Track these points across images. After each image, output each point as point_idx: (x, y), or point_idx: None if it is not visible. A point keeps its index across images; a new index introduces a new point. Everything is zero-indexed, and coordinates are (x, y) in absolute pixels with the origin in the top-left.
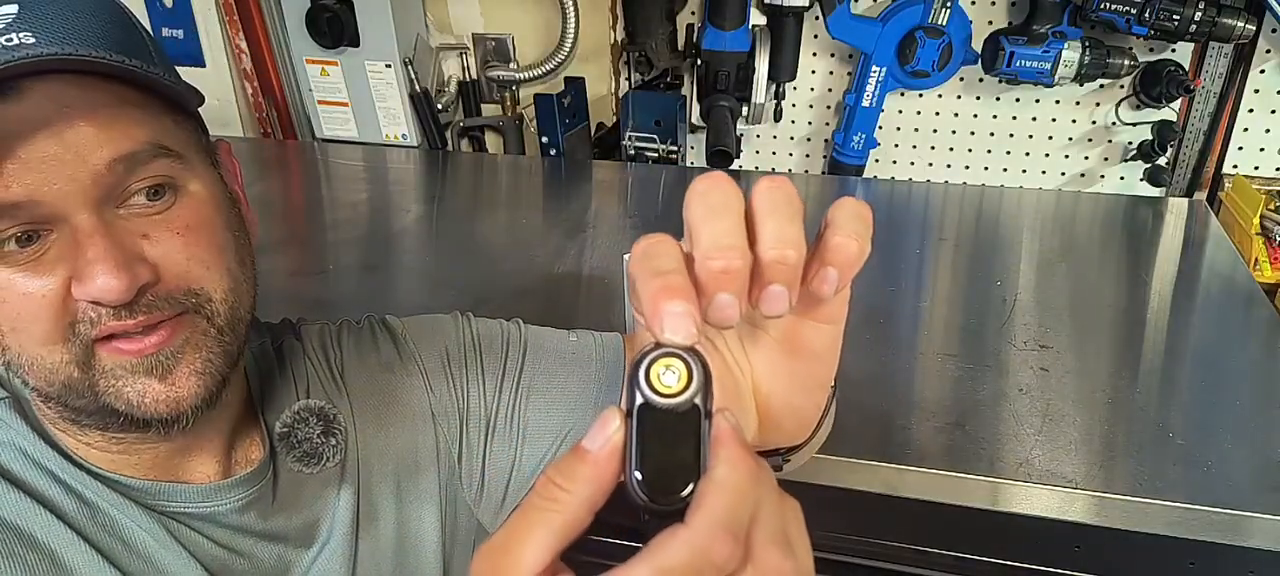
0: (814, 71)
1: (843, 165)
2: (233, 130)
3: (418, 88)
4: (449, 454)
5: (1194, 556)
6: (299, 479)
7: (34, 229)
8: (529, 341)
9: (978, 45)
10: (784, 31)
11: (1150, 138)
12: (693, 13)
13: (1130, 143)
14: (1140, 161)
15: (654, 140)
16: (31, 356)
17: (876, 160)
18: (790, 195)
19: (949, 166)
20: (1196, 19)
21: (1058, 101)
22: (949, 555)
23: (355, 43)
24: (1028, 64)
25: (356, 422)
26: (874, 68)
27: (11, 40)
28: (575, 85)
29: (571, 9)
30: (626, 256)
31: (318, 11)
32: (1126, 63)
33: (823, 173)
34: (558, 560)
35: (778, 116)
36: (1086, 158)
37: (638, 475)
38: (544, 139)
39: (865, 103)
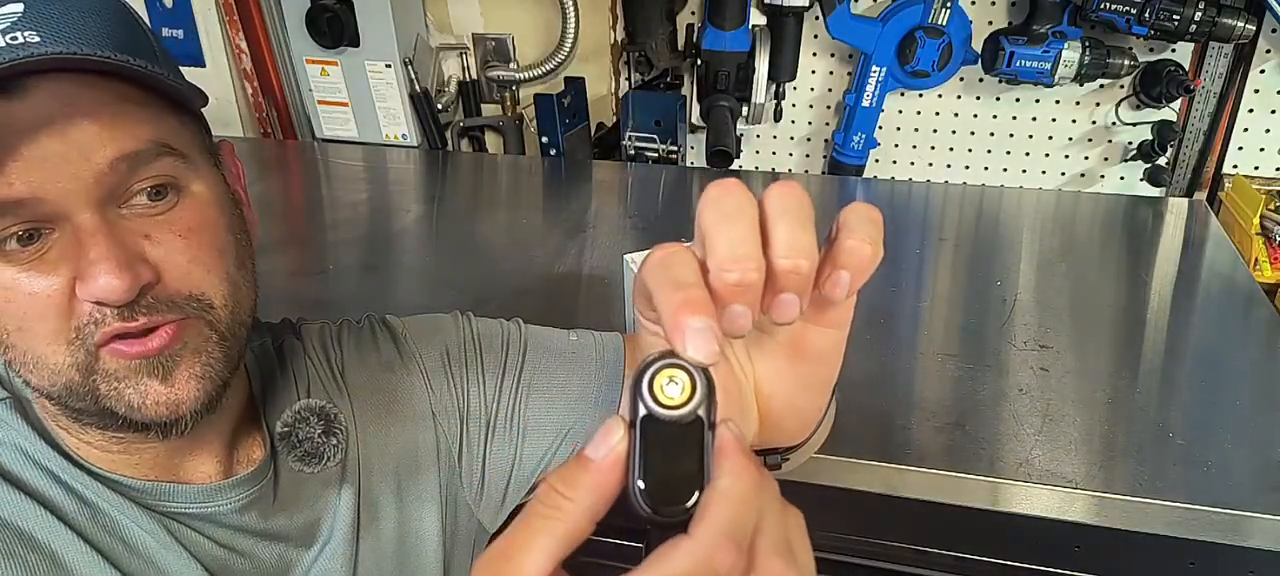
0: (814, 71)
1: (843, 165)
2: (233, 130)
3: (418, 88)
4: (449, 453)
5: (1194, 556)
6: (300, 478)
7: (35, 227)
8: (529, 340)
9: (978, 45)
10: (784, 31)
11: (1150, 138)
12: (693, 13)
13: (1130, 143)
14: (1140, 161)
15: (654, 140)
16: (36, 356)
17: (876, 160)
18: (803, 201)
19: (949, 166)
20: (1196, 19)
21: (1058, 101)
22: (949, 555)
23: (355, 43)
24: (1028, 64)
25: (357, 422)
26: (874, 68)
27: (16, 38)
28: (575, 85)
29: (571, 9)
30: (627, 256)
31: (318, 11)
32: (1126, 63)
33: (823, 173)
34: (559, 568)
35: (778, 116)
36: (1086, 158)
37: (641, 485)
38: (544, 139)
39: (865, 103)
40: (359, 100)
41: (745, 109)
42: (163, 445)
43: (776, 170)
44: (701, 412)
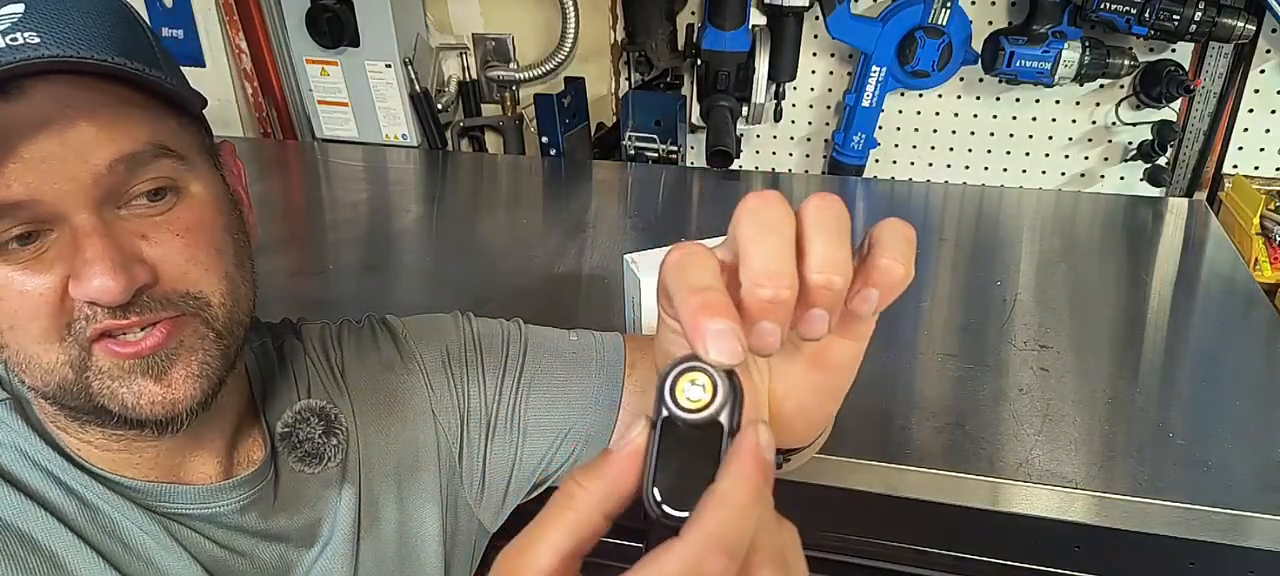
0: (814, 71)
1: (843, 165)
2: (233, 130)
3: (418, 88)
4: (450, 453)
5: (1194, 556)
6: (300, 479)
7: (34, 228)
8: (529, 340)
9: (978, 45)
10: (784, 31)
11: (1150, 138)
12: (693, 13)
13: (1130, 143)
14: (1140, 161)
15: (654, 140)
16: (29, 355)
17: (876, 160)
18: (841, 215)
19: (949, 166)
20: (1196, 19)
21: (1058, 101)
22: (949, 555)
23: (355, 43)
24: (1028, 64)
25: (357, 422)
26: (874, 68)
27: (16, 40)
28: (575, 85)
29: (571, 9)
30: (627, 256)
31: (318, 11)
32: (1126, 63)
33: (823, 173)
34: (574, 566)
35: (778, 116)
36: (1086, 158)
37: (653, 485)
38: (544, 139)
39: (865, 103)
40: (359, 100)
41: (745, 109)
42: (163, 444)
43: (776, 170)
44: (722, 418)
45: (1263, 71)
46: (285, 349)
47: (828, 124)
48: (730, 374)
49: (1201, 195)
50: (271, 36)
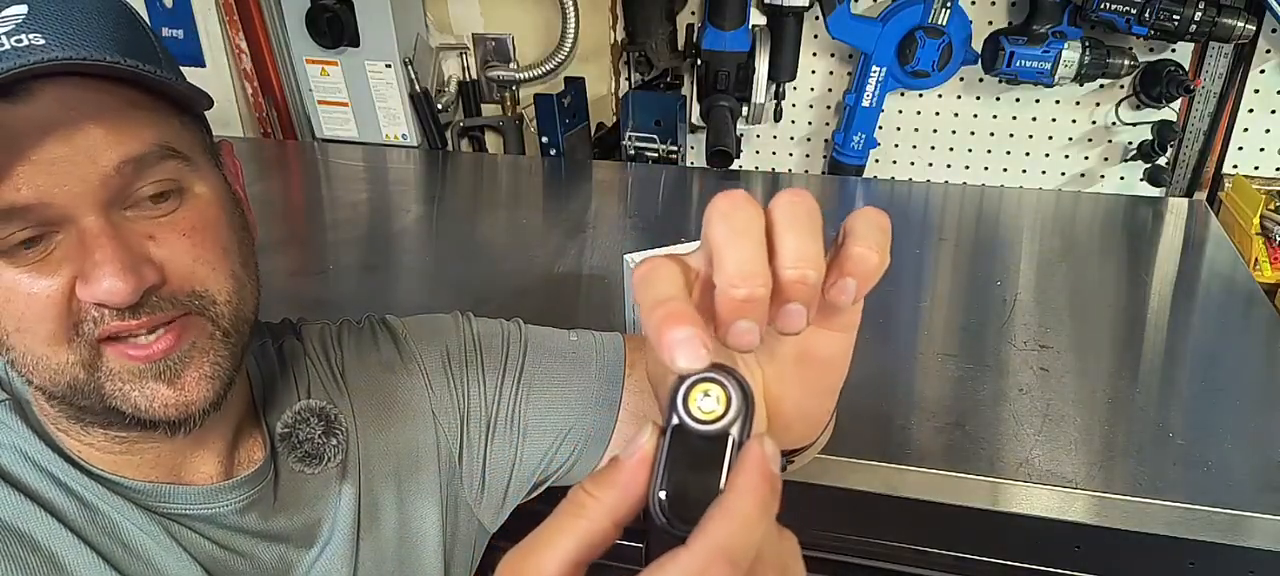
0: (814, 71)
1: (843, 165)
2: (233, 130)
3: (418, 88)
4: (450, 453)
5: (1194, 556)
6: (300, 479)
7: (41, 231)
8: (529, 340)
9: (978, 45)
10: (784, 31)
11: (1150, 138)
12: (693, 13)
13: (1130, 143)
14: (1140, 161)
15: (654, 140)
16: (37, 356)
17: (876, 160)
18: (811, 209)
19: (949, 166)
20: (1196, 19)
21: (1058, 101)
22: (949, 555)
23: (355, 43)
24: (1028, 64)
25: (357, 422)
26: (874, 68)
27: (22, 42)
28: (575, 85)
29: (571, 9)
30: (627, 256)
31: (318, 11)
32: (1126, 63)
33: (823, 173)
34: (579, 574)
35: (778, 116)
36: (1086, 158)
37: (661, 494)
38: (544, 139)
39: (865, 103)
40: (359, 100)
41: (745, 109)
42: (166, 445)
43: (776, 170)
44: (733, 430)
45: (1263, 71)
46: (285, 349)
47: (828, 124)
48: (744, 388)
49: (1201, 195)
50: (271, 36)
